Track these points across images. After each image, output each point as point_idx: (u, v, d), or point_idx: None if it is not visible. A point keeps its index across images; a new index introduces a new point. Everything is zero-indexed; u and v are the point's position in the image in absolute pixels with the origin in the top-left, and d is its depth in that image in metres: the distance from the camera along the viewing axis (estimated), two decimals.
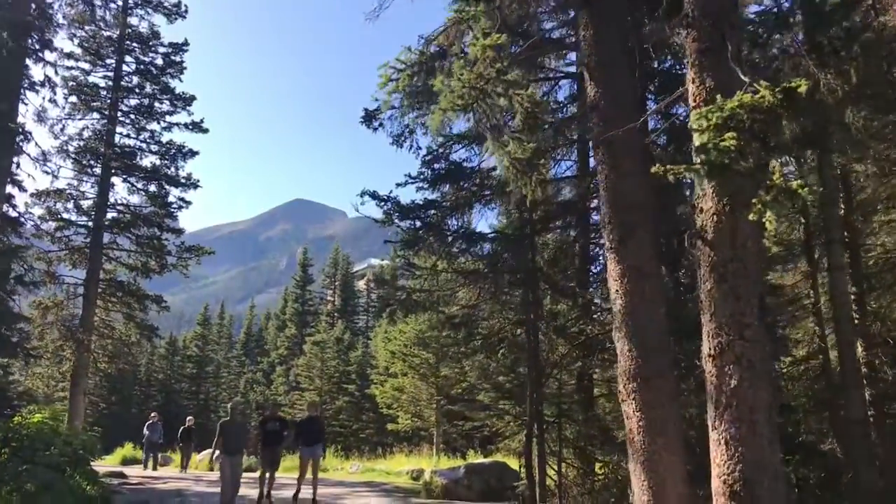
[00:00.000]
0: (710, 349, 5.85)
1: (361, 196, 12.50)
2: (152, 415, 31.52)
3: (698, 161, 5.18)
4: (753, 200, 5.03)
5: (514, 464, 24.08)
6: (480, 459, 24.26)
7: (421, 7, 12.19)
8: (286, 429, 16.03)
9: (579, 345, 12.83)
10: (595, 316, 13.18)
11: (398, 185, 13.20)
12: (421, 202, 13.12)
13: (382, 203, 12.74)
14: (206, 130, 35.18)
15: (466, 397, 17.27)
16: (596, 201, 13.93)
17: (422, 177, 13.09)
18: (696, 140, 5.27)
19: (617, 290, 7.20)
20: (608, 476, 12.85)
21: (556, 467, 13.12)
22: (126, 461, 40.35)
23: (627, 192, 7.27)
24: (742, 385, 5.65)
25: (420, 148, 13.55)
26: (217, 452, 13.78)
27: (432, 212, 13.07)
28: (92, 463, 21.49)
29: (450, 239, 13.03)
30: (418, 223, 12.96)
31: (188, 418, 30.93)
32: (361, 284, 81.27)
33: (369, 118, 13.10)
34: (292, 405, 56.66)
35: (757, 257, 5.96)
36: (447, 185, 13.20)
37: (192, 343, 71.97)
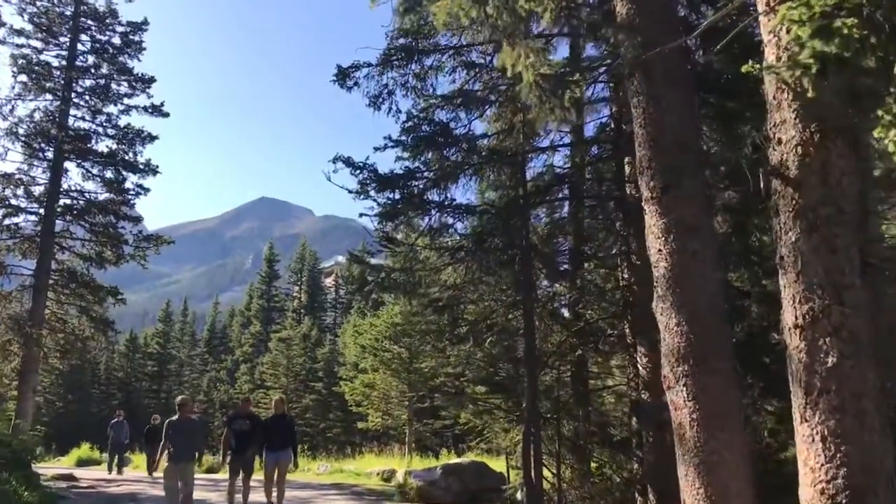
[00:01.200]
0: (796, 317, 4.50)
1: (334, 162, 11.03)
2: (117, 413, 29.26)
3: (805, 55, 3.83)
4: (880, 113, 3.69)
5: (494, 464, 22.71)
6: (457, 459, 22.82)
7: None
8: (259, 428, 13.23)
9: (577, 331, 11.46)
10: (593, 300, 11.85)
11: (376, 149, 11.71)
12: (401, 171, 11.68)
13: (357, 171, 11.27)
14: (166, 114, 33.35)
15: (449, 391, 15.76)
16: (590, 170, 12.61)
17: (402, 143, 11.62)
18: (794, 34, 3.92)
19: (660, 250, 5.81)
20: (609, 478, 11.54)
21: (552, 468, 11.76)
22: (82, 462, 38.56)
23: (671, 129, 5.91)
24: (843, 364, 4.32)
25: (400, 112, 12.15)
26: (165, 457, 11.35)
27: (414, 182, 11.62)
28: (35, 465, 19.79)
29: (433, 212, 11.60)
30: (397, 195, 11.49)
31: (154, 416, 28.54)
32: (329, 282, 79.43)
33: (343, 76, 11.64)
34: (257, 404, 54.83)
35: (855, 199, 4.63)
36: (431, 152, 11.77)
37: (154, 340, 69.71)
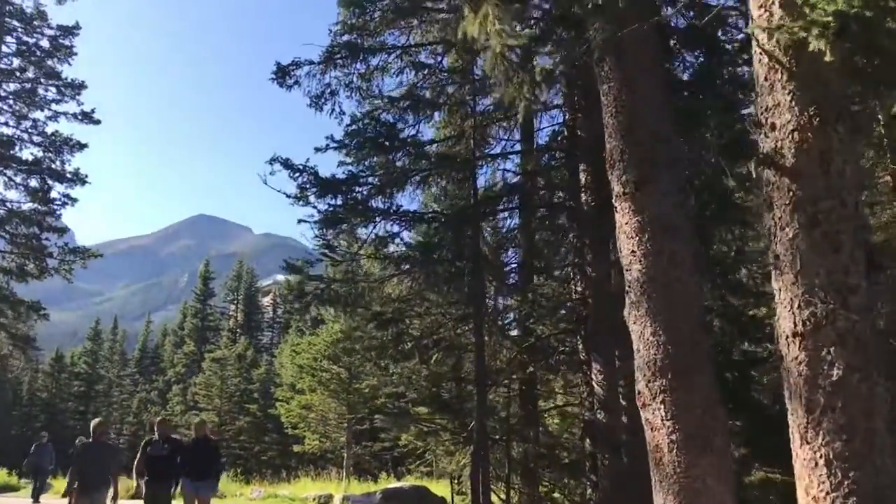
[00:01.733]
0: (795, 324, 3.92)
1: (271, 163, 10.21)
2: (42, 434, 26.81)
3: (817, 16, 3.30)
4: None
5: (435, 487, 21.95)
6: (396, 483, 21.94)
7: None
8: (178, 453, 11.19)
9: (527, 348, 10.85)
10: (544, 314, 11.25)
11: (317, 150, 10.89)
12: (344, 175, 10.92)
13: (297, 174, 10.47)
14: (97, 121, 31.90)
15: (391, 411, 14.90)
16: (541, 180, 12.08)
17: (345, 145, 10.88)
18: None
19: (633, 252, 5.20)
20: (560, 503, 10.93)
21: (500, 493, 11.08)
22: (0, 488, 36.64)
23: (646, 118, 5.35)
24: (850, 377, 3.76)
25: (343, 113, 11.42)
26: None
27: (357, 188, 10.88)
28: None
29: (378, 220, 10.88)
30: (340, 200, 10.74)
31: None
32: (266, 301, 77.62)
33: (283, 74, 10.88)
34: (188, 427, 52.89)
35: (858, 191, 4.13)
36: (376, 156, 11.06)
37: (81, 359, 66.95)
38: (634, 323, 5.24)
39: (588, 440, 9.88)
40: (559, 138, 11.74)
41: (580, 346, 10.35)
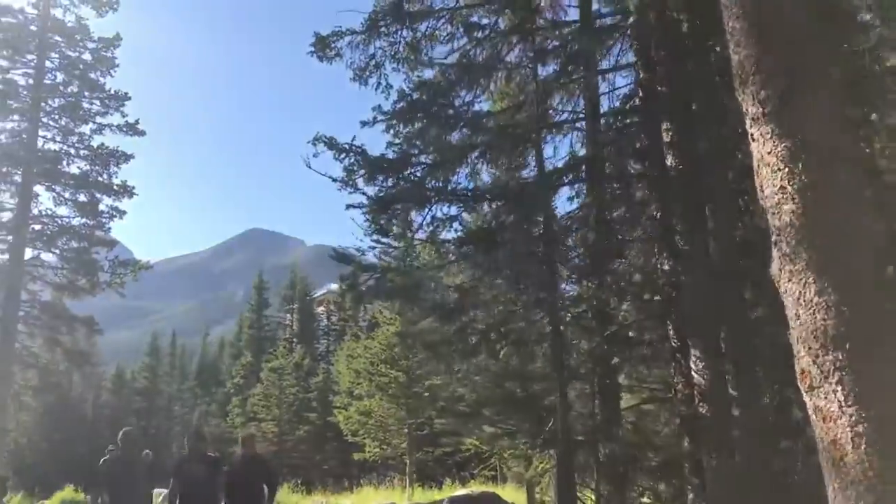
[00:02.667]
0: None
1: (314, 144, 9.19)
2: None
3: None
4: None
5: (505, 494, 20.77)
6: (463, 490, 20.76)
7: None
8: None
9: (608, 337, 9.61)
10: (625, 298, 9.99)
11: (363, 123, 9.76)
12: (395, 154, 9.84)
13: (343, 155, 9.41)
14: (142, 133, 31.71)
15: (461, 412, 13.69)
16: (611, 149, 10.80)
17: (393, 116, 9.75)
18: None
19: (783, 188, 3.90)
20: None
21: (589, 499, 9.85)
22: None
23: (790, 16, 4.14)
24: None
25: (390, 86, 10.32)
26: None
27: (410, 168, 9.80)
28: None
29: (435, 202, 9.75)
30: (391, 182, 9.66)
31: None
32: (321, 310, 77.20)
33: (323, 46, 9.84)
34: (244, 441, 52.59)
35: None
36: (429, 130, 9.95)
37: (141, 375, 67.46)
38: (790, 281, 3.98)
39: (687, 438, 8.60)
40: (632, 101, 10.50)
41: (671, 333, 9.07)
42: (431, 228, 9.91)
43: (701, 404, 8.09)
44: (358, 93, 10.43)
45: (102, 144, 30.57)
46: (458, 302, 10.03)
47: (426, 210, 9.80)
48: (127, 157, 30.82)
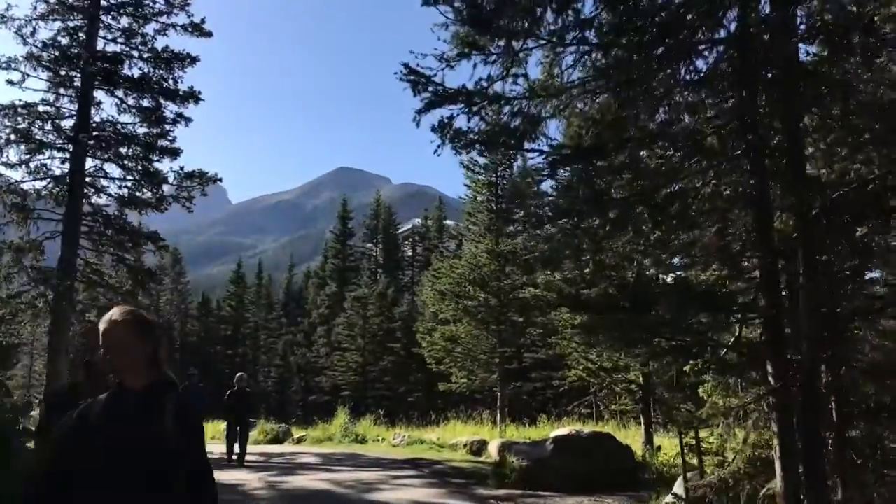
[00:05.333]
0: None
1: None
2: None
3: None
4: None
5: (621, 435, 17.57)
6: (562, 429, 17.50)
7: None
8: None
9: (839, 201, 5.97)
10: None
11: None
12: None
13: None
14: (208, 34, 28.86)
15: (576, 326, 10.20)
16: None
17: None
18: None
19: None
20: None
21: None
22: None
23: None
24: None
25: None
26: None
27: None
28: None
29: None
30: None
31: (238, 375, 18.85)
32: (405, 248, 74.80)
33: None
34: (332, 367, 51.11)
35: None
36: None
37: (226, 303, 66.82)
38: None
39: None
40: None
41: None
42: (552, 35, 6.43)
43: None
44: None
45: (167, 46, 27.91)
46: (596, 138, 6.59)
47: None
48: (193, 60, 28.07)
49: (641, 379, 17.44)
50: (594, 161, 6.49)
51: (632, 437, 18.42)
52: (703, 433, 8.53)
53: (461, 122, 6.80)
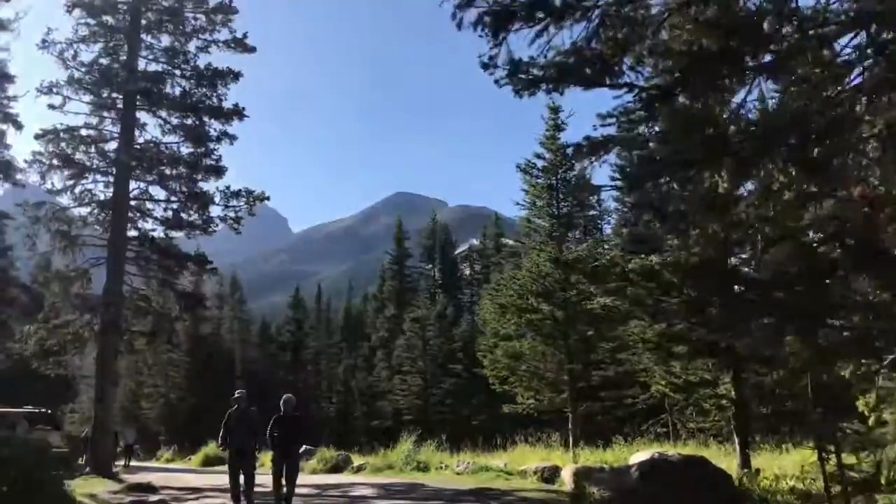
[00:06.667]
0: None
1: None
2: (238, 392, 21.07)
3: None
4: None
5: (713, 456, 15.53)
6: (643, 452, 15.46)
7: None
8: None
9: None
10: None
11: None
12: None
13: None
14: (252, 49, 27.96)
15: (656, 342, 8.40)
16: None
17: None
18: None
19: None
20: None
21: None
22: (209, 461, 35.32)
23: None
24: None
25: None
26: None
27: None
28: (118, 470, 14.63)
29: None
30: None
31: (285, 398, 14.16)
32: (463, 269, 73.15)
33: None
34: (393, 391, 49.73)
35: None
36: None
37: (285, 329, 66.11)
38: None
39: None
40: None
41: None
42: None
43: None
44: None
45: (209, 64, 27.05)
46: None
47: None
48: (236, 76, 27.18)
49: (733, 392, 15.36)
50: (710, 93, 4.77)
51: (721, 457, 16.35)
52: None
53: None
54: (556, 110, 24.14)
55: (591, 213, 24.96)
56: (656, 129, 5.64)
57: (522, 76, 5.15)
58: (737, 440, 15.53)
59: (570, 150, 6.67)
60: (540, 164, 24.28)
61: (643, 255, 14.27)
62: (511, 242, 58.62)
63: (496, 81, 5.27)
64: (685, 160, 4.95)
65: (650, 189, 5.30)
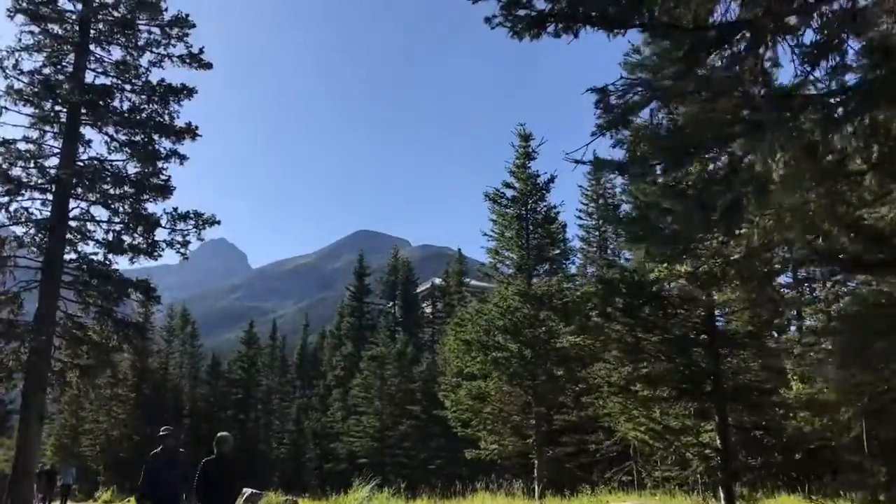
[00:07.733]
0: None
1: None
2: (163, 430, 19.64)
3: None
4: None
5: None
6: (618, 502, 14.06)
7: None
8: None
9: None
10: None
11: None
12: None
13: None
14: (208, 65, 26.51)
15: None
16: None
17: None
18: None
19: None
20: None
21: None
22: None
23: None
24: None
25: None
26: None
27: None
28: None
29: None
30: None
31: (220, 436, 13.16)
32: (425, 307, 71.37)
33: None
34: (348, 432, 47.55)
35: None
36: None
37: (237, 365, 63.51)
38: None
39: None
40: None
41: None
42: None
43: None
44: None
45: (162, 80, 25.59)
46: None
47: None
48: (189, 92, 25.70)
49: (719, 442, 14.03)
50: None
51: None
52: None
53: None
54: (526, 137, 23.05)
55: (558, 250, 23.64)
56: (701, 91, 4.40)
57: (523, 11, 3.96)
58: (722, 494, 14.16)
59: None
60: (509, 193, 23.04)
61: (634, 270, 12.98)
62: (474, 282, 57.29)
63: (487, 20, 4.06)
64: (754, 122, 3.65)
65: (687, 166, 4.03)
